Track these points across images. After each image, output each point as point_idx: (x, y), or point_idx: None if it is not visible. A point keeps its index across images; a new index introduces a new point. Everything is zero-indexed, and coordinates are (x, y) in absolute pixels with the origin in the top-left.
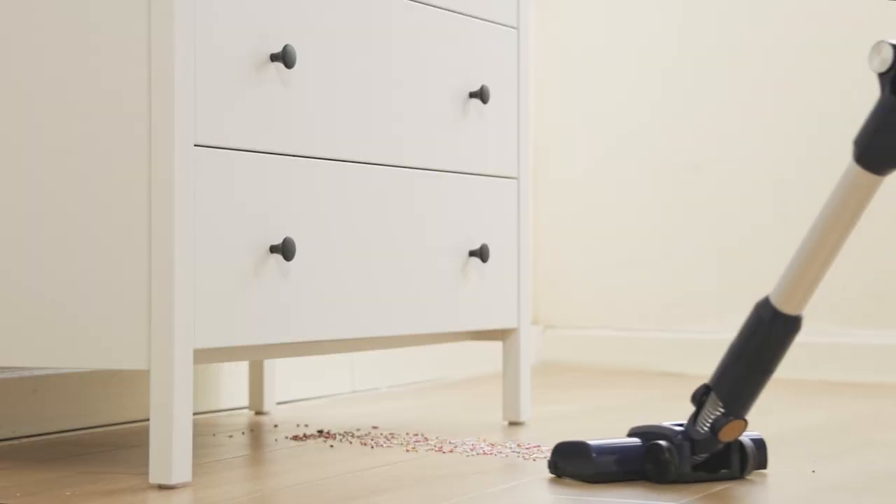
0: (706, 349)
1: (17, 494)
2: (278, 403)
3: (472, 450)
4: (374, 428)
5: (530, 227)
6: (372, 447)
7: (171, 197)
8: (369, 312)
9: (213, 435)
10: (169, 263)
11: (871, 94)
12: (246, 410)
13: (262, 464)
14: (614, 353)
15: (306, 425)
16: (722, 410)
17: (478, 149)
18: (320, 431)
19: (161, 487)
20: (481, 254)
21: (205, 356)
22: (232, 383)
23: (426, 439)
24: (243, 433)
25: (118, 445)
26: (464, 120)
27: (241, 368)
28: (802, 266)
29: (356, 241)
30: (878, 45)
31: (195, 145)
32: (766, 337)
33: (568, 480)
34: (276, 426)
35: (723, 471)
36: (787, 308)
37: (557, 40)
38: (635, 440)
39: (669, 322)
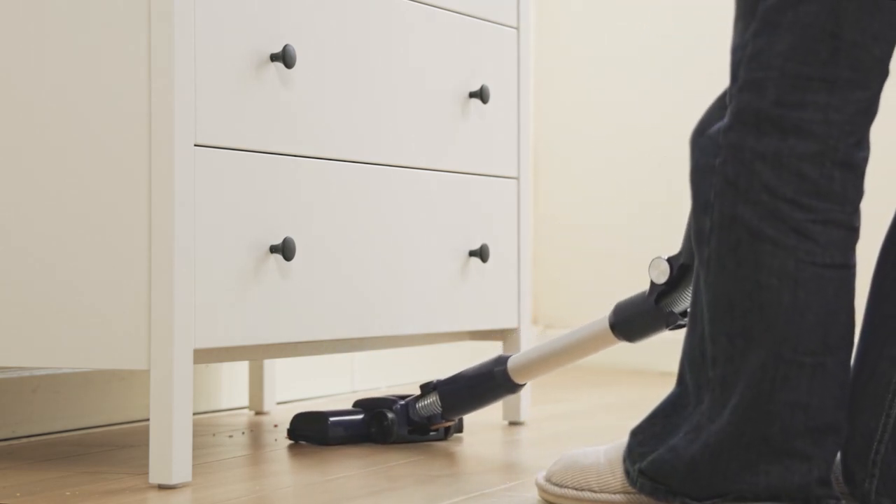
0: None
1: (17, 494)
2: (278, 403)
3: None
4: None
5: (530, 227)
6: (372, 447)
7: (171, 197)
8: (369, 312)
9: (213, 435)
10: (169, 263)
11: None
12: (246, 410)
13: (262, 464)
14: (614, 353)
15: None
16: (440, 411)
17: (478, 149)
18: None
19: (161, 487)
20: (481, 254)
21: (205, 356)
22: (232, 383)
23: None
24: (243, 433)
25: (118, 445)
26: (464, 120)
27: (241, 368)
28: (544, 360)
29: (356, 241)
30: (656, 261)
31: (195, 145)
32: (493, 388)
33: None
34: (276, 426)
35: (432, 433)
36: (516, 378)
37: (557, 40)
38: (359, 410)
39: None
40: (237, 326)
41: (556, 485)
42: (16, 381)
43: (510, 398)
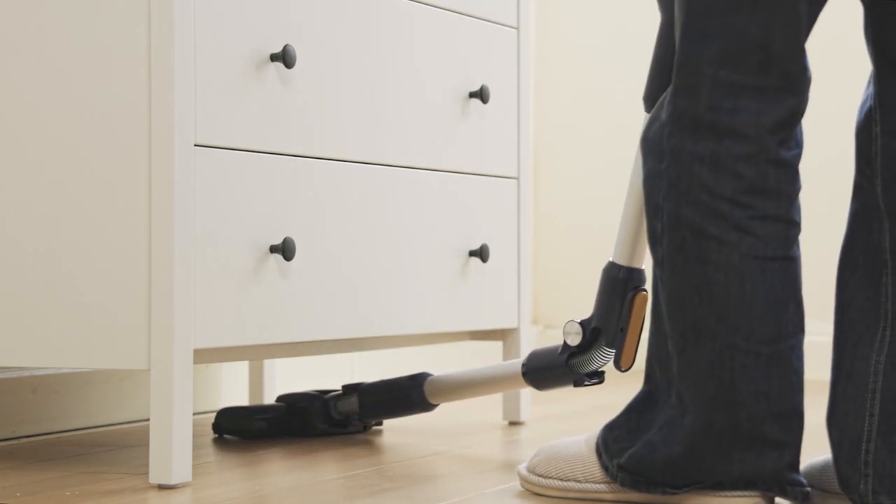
0: None
1: (17, 494)
2: None
3: None
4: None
5: (530, 227)
6: (372, 447)
7: (171, 197)
8: (369, 312)
9: (214, 435)
10: (169, 263)
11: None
12: None
13: (262, 464)
14: None
15: None
16: (358, 413)
17: (478, 149)
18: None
19: (161, 487)
20: (481, 254)
21: (205, 356)
22: (232, 383)
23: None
24: None
25: (118, 445)
26: (464, 120)
27: (241, 368)
28: (458, 388)
29: (356, 241)
30: (569, 324)
31: (195, 145)
32: (408, 404)
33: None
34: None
35: (351, 427)
36: (431, 398)
37: (557, 40)
38: (282, 405)
39: None
40: (237, 326)
41: (541, 476)
42: (16, 381)
43: (511, 398)
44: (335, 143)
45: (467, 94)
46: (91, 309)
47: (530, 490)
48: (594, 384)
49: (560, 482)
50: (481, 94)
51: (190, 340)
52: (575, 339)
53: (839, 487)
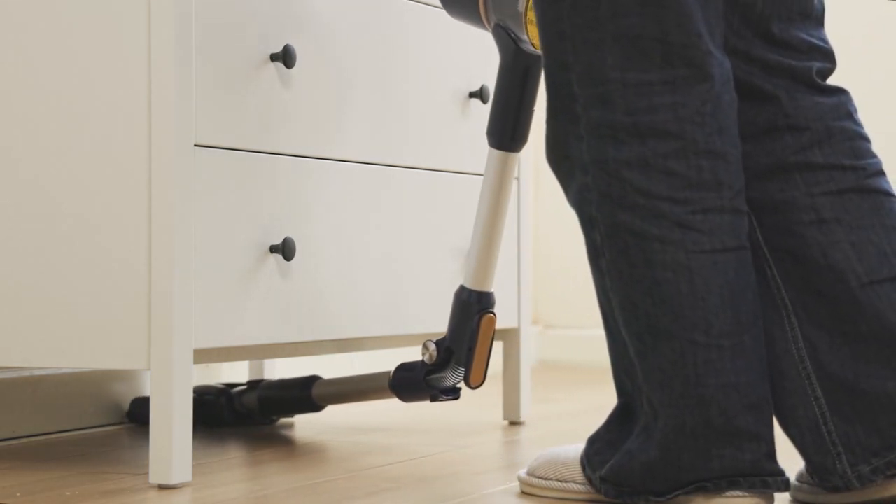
0: None
1: (17, 494)
2: None
3: None
4: (375, 429)
5: (530, 227)
6: (372, 447)
7: (171, 197)
8: (369, 312)
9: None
10: (169, 263)
11: (875, 95)
12: None
13: (262, 464)
14: None
15: (306, 425)
16: (257, 408)
17: (478, 149)
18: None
19: (161, 487)
20: None
21: (205, 356)
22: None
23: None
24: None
25: (118, 445)
26: (464, 120)
27: (241, 368)
28: (339, 395)
29: (356, 241)
30: (427, 343)
31: (195, 145)
32: (299, 405)
33: None
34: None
35: (256, 419)
36: (318, 401)
37: None
38: (193, 396)
39: None
40: (237, 326)
41: (541, 478)
42: (16, 381)
43: (510, 397)
44: (335, 143)
45: (467, 94)
46: (91, 309)
47: (530, 493)
48: (449, 399)
49: (560, 483)
50: (481, 95)
51: (190, 340)
52: (430, 359)
53: (818, 482)
